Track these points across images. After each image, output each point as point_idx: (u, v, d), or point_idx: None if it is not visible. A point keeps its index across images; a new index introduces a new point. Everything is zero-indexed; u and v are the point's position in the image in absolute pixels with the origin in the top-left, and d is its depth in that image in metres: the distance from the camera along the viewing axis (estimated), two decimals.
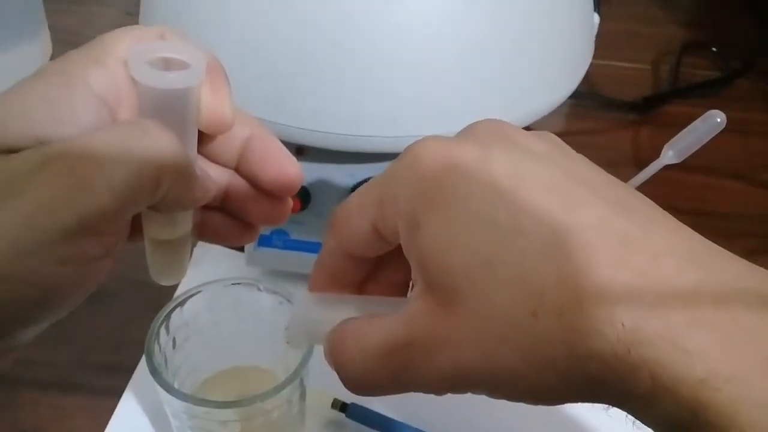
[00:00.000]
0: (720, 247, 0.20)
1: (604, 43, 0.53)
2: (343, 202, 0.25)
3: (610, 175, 0.22)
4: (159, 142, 0.22)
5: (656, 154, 0.47)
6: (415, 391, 0.22)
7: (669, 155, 0.46)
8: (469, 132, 0.23)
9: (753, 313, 0.18)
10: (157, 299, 0.35)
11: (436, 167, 0.21)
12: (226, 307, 0.36)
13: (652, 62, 0.74)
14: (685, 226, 0.21)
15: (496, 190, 0.20)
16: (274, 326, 0.35)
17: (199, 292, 0.35)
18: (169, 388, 0.32)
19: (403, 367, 0.21)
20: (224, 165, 0.27)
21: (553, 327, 0.19)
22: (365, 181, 0.39)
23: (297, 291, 0.28)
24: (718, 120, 0.45)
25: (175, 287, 0.44)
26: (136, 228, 0.26)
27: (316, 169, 0.42)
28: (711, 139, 0.46)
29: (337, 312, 0.24)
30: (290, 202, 0.28)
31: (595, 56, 0.50)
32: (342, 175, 0.42)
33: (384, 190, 0.23)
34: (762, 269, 0.20)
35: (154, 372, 0.32)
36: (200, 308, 0.36)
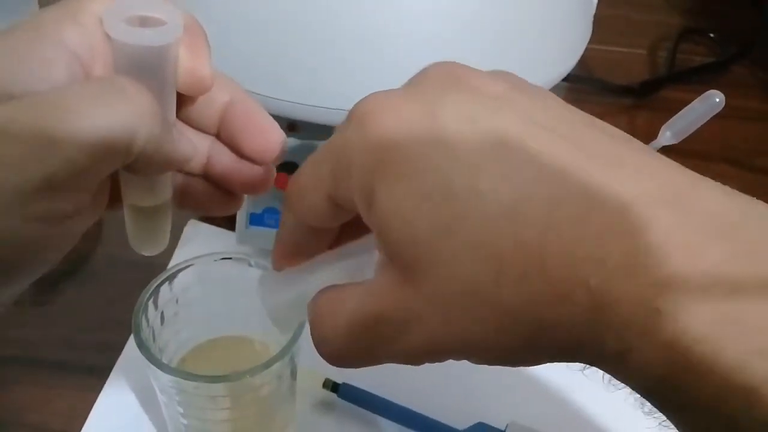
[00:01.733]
0: (698, 177, 0.19)
1: (602, 28, 0.52)
2: (295, 174, 0.23)
3: (575, 113, 0.21)
4: (133, 99, 0.22)
5: (652, 138, 0.46)
6: (393, 363, 0.21)
7: (666, 136, 0.46)
8: (419, 81, 0.21)
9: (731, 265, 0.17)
10: (146, 279, 0.34)
11: (386, 132, 0.20)
12: (216, 282, 0.36)
13: (650, 48, 0.73)
14: (657, 156, 0.20)
15: (449, 150, 0.19)
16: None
17: (189, 266, 0.35)
18: (156, 362, 0.31)
19: (376, 342, 0.21)
20: (205, 131, 0.27)
21: (516, 294, 0.18)
22: None
23: (262, 275, 0.27)
24: (717, 100, 0.44)
25: (165, 266, 0.43)
26: (117, 197, 0.26)
27: (309, 146, 0.42)
28: (707, 124, 0.46)
29: (309, 284, 0.24)
30: (273, 170, 0.28)
31: (592, 41, 0.50)
32: None
33: (335, 162, 0.21)
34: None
35: (142, 346, 0.32)
36: (189, 283, 0.35)
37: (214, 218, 0.49)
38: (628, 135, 0.20)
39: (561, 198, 0.18)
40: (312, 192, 0.22)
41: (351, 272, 0.24)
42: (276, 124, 0.26)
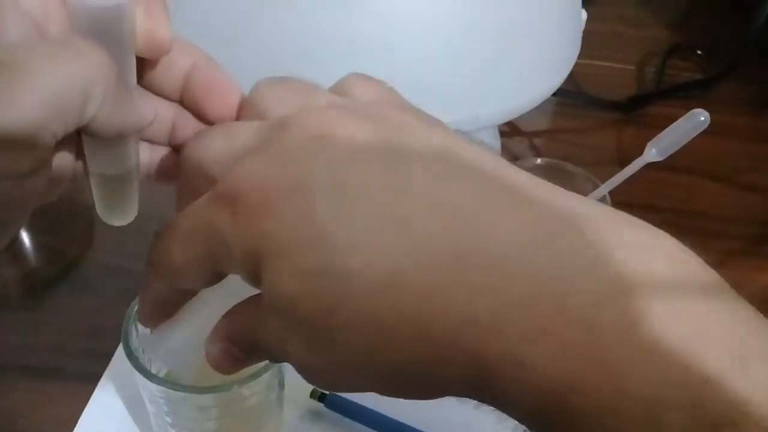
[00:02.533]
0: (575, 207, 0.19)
1: (590, 43, 0.53)
2: (161, 250, 0.23)
3: (446, 171, 0.20)
4: (87, 56, 0.22)
5: (639, 153, 0.47)
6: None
7: (652, 153, 0.47)
8: (284, 143, 0.21)
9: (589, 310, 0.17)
10: (137, 286, 0.34)
11: (258, 221, 0.20)
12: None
13: (638, 63, 0.74)
14: (527, 194, 0.20)
15: (322, 233, 0.19)
16: None
17: None
18: (145, 372, 0.32)
19: None
20: (168, 97, 0.27)
21: (404, 357, 0.19)
22: None
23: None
24: (702, 119, 0.45)
25: None
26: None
27: None
28: (693, 140, 0.47)
29: (199, 326, 0.24)
30: None
31: (581, 56, 0.50)
32: None
33: (210, 243, 0.21)
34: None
35: (131, 355, 0.32)
36: None
37: None
38: (507, 170, 0.21)
39: (432, 264, 0.18)
40: (192, 271, 0.22)
41: (233, 300, 0.24)
42: (237, 86, 0.26)
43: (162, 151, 0.27)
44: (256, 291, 0.22)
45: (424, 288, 0.18)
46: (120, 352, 0.42)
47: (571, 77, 0.50)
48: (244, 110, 0.25)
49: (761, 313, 0.18)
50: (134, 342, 0.33)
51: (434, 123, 0.22)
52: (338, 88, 0.24)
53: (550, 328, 0.17)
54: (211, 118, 0.26)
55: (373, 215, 0.19)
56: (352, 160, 0.20)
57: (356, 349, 0.19)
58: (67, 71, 0.21)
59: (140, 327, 0.34)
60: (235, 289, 0.23)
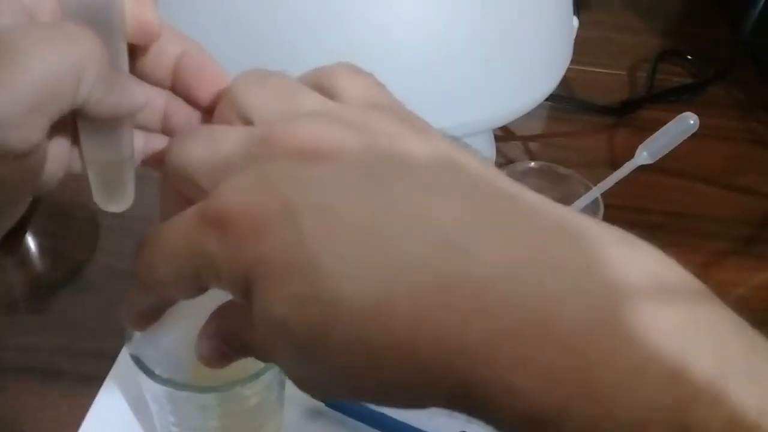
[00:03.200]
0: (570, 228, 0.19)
1: (583, 50, 0.54)
2: (145, 267, 0.22)
3: (437, 186, 0.20)
4: (79, 40, 0.22)
5: (631, 156, 0.48)
6: None
7: (643, 156, 0.48)
8: (270, 157, 0.21)
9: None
10: None
11: (247, 245, 0.19)
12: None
13: (629, 69, 0.75)
14: (520, 210, 0.20)
15: (311, 256, 0.19)
16: None
17: None
18: (149, 372, 0.32)
19: None
20: (159, 85, 0.27)
21: (394, 377, 0.19)
22: None
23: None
24: (691, 122, 0.46)
25: None
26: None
27: None
28: (684, 144, 0.48)
29: (188, 326, 0.24)
30: None
31: (574, 62, 0.51)
32: None
33: (197, 266, 0.21)
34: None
35: (134, 356, 0.33)
36: None
37: None
38: (494, 183, 0.21)
39: (420, 291, 0.18)
40: (177, 286, 0.22)
41: (222, 298, 0.24)
42: (229, 75, 0.26)
43: (156, 139, 0.28)
44: None
45: (414, 314, 0.18)
46: (124, 353, 0.43)
47: (564, 82, 0.51)
48: (224, 105, 0.24)
49: (754, 312, 0.18)
50: (137, 343, 0.34)
51: (422, 129, 0.22)
52: (324, 80, 0.24)
53: (538, 356, 0.17)
54: (203, 104, 0.27)
55: (361, 240, 0.19)
56: (338, 181, 0.20)
57: (346, 369, 0.19)
58: (59, 54, 0.21)
59: None
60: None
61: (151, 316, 0.25)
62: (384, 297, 0.18)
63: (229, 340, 0.23)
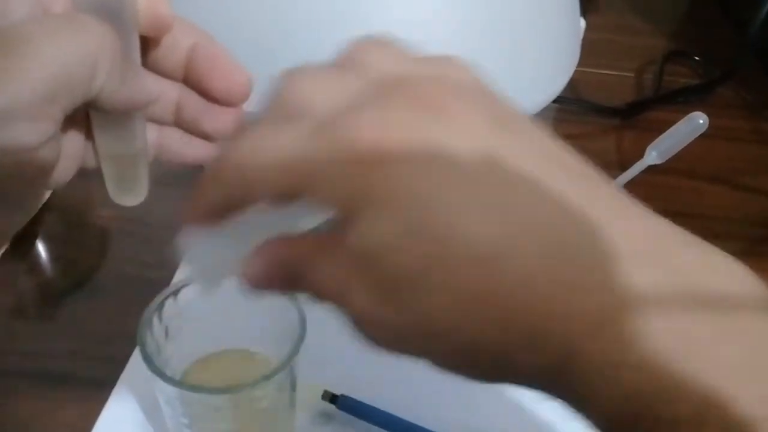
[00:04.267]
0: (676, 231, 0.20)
1: (590, 51, 0.54)
2: (242, 160, 0.21)
3: (562, 157, 0.21)
4: (93, 31, 0.22)
5: (640, 158, 0.48)
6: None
7: (652, 156, 0.47)
8: (398, 92, 0.20)
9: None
10: (152, 294, 0.35)
11: (369, 146, 0.19)
12: (219, 297, 0.36)
13: (636, 70, 0.75)
14: (633, 206, 0.20)
15: (436, 182, 0.19)
16: (269, 315, 0.36)
17: (193, 282, 0.36)
18: (161, 375, 0.33)
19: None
20: (171, 77, 0.27)
21: (487, 335, 0.18)
22: None
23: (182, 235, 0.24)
24: (701, 122, 0.46)
25: (170, 281, 0.45)
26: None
27: None
28: (692, 144, 0.48)
29: (243, 241, 0.22)
30: (243, 110, 0.28)
31: (581, 64, 0.51)
32: None
33: (298, 170, 0.20)
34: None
35: (147, 359, 0.33)
36: (193, 298, 0.36)
37: None
38: (601, 176, 0.21)
39: (538, 252, 0.18)
40: (265, 186, 0.21)
41: (286, 227, 0.23)
42: (242, 66, 0.27)
43: (169, 132, 0.28)
44: (309, 219, 0.22)
45: (525, 273, 0.18)
46: (135, 358, 0.43)
47: (571, 84, 0.51)
48: (343, 59, 0.23)
49: None
50: (150, 346, 0.34)
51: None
52: (354, 59, 0.23)
53: (646, 334, 0.17)
54: (216, 95, 0.27)
55: (487, 183, 0.18)
56: (467, 131, 0.19)
57: (438, 317, 0.18)
58: (73, 45, 0.22)
59: (155, 330, 0.35)
60: (285, 215, 0.22)
61: (214, 213, 0.23)
62: (498, 247, 0.18)
63: (285, 268, 0.22)
